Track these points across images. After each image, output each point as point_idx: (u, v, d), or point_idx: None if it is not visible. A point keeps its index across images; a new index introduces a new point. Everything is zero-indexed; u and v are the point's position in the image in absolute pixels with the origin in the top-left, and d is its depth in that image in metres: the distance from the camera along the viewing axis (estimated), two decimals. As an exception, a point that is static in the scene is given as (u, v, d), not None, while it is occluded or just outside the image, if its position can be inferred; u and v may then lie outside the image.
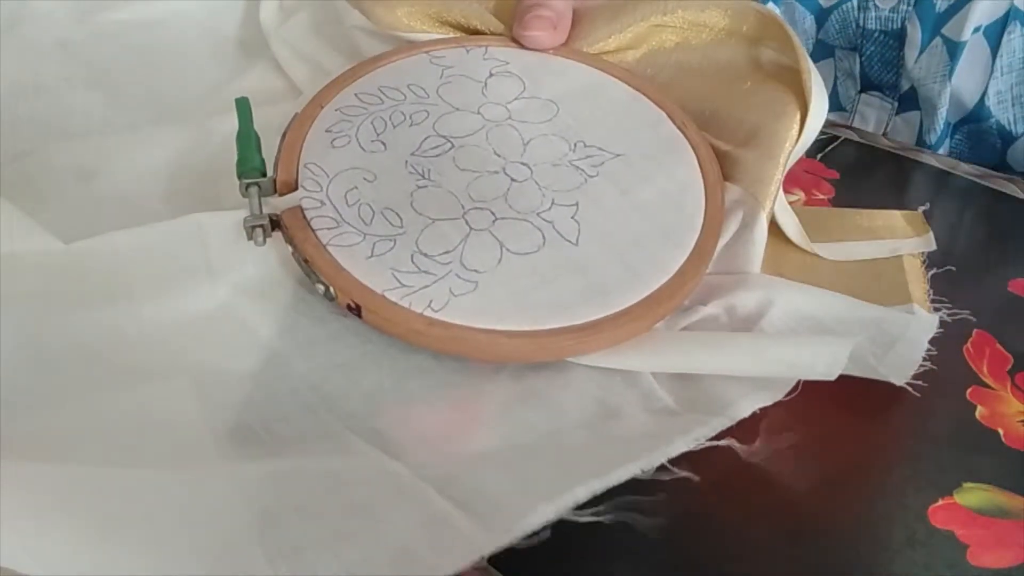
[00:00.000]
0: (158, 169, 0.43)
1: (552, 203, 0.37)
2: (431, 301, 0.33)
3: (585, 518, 0.28)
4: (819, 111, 0.39)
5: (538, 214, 0.37)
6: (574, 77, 0.43)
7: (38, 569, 0.24)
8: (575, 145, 0.40)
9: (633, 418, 0.33)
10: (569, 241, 0.36)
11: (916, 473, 0.32)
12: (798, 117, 0.39)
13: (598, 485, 0.29)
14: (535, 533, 0.27)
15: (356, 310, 0.34)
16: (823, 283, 0.39)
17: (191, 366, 0.34)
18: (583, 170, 0.39)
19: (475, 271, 0.35)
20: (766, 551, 0.29)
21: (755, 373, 0.34)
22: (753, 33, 0.43)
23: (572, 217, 0.37)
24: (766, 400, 0.33)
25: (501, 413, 0.33)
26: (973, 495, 0.31)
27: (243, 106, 0.39)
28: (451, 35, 0.44)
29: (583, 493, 0.28)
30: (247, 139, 0.38)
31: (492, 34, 0.44)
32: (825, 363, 0.33)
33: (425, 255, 0.35)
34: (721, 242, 0.38)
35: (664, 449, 0.31)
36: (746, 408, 0.33)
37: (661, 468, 0.30)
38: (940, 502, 0.31)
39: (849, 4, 0.54)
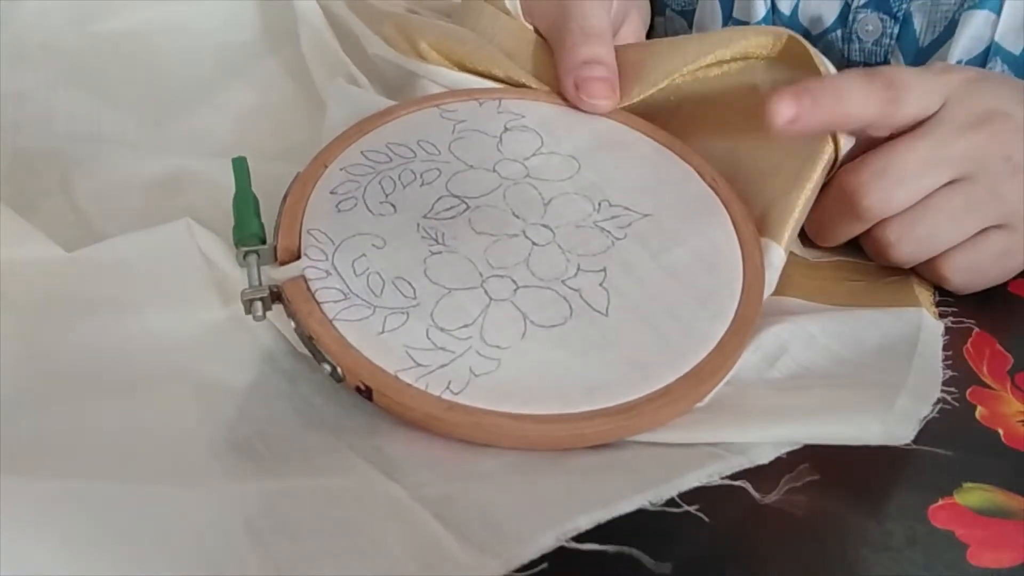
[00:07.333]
0: (145, 177, 0.42)
1: (578, 269, 0.34)
2: (450, 382, 0.30)
3: (587, 547, 0.26)
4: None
5: (563, 282, 0.34)
6: (594, 130, 0.40)
7: None
8: (599, 204, 0.37)
9: (646, 446, 0.31)
10: (598, 311, 0.33)
11: (916, 473, 0.31)
12: (830, 148, 0.38)
13: (603, 515, 0.27)
14: (533, 564, 0.26)
15: (367, 392, 0.31)
16: (828, 281, 0.39)
17: (193, 376, 0.33)
18: (609, 232, 0.36)
19: (497, 346, 0.31)
20: (765, 551, 0.29)
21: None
22: (780, 60, 0.41)
23: (600, 284, 0.34)
24: (792, 444, 0.31)
25: None
26: (973, 495, 0.31)
27: (240, 167, 0.36)
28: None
29: (586, 522, 0.27)
30: (244, 202, 0.35)
31: (513, 86, 0.41)
32: (890, 438, 0.31)
33: (441, 329, 0.32)
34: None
35: (676, 482, 0.29)
36: (770, 452, 0.31)
37: (670, 501, 0.29)
38: (940, 502, 0.30)
39: (834, 35, 0.53)
